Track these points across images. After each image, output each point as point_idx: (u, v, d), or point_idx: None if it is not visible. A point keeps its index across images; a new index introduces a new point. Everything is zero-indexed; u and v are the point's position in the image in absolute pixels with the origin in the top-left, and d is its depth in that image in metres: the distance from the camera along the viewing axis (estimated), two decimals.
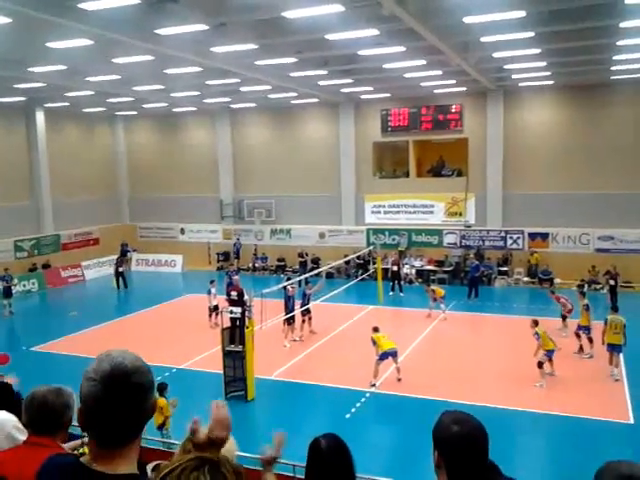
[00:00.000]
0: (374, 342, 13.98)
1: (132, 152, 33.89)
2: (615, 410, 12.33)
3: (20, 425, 3.00)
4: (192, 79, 20.78)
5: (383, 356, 13.80)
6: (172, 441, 9.49)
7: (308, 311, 18.05)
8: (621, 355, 14.37)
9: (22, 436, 2.94)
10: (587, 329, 15.61)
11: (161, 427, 10.37)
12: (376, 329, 14.34)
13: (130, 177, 34.05)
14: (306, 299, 17.90)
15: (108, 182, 33.02)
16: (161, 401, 10.41)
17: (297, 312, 17.64)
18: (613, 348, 14.01)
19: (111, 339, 18.13)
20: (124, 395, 1.82)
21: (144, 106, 28.70)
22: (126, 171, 34.07)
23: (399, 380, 13.98)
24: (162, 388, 10.56)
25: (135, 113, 31.99)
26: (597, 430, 11.48)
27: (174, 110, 30.57)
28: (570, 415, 12.11)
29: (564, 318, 17.16)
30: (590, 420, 11.87)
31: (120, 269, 26.33)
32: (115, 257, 28.39)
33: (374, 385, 13.80)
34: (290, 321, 17.39)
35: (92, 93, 23.36)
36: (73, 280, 28.22)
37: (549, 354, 13.75)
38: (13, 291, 23.00)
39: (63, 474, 1.91)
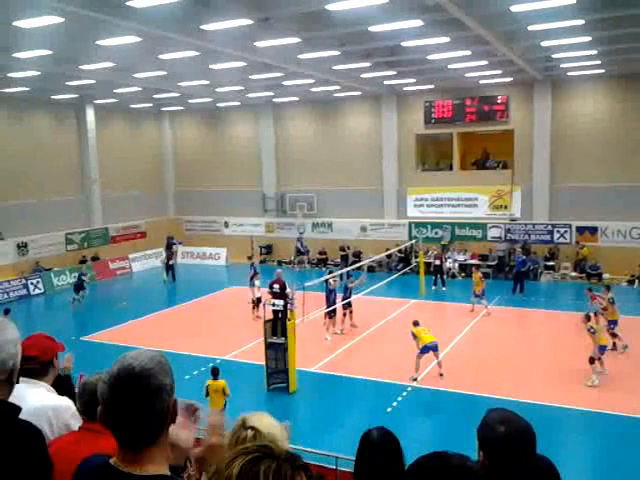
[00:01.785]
0: (414, 336, 13.90)
1: (178, 147, 34.52)
2: None
3: (77, 413, 3.12)
4: (236, 74, 20.99)
5: (424, 350, 13.68)
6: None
7: (349, 304, 18.06)
8: None
9: (77, 424, 3.05)
10: (614, 323, 15.31)
11: (222, 410, 10.67)
12: (416, 323, 14.25)
13: (176, 171, 34.69)
14: (348, 292, 17.91)
15: (155, 177, 33.76)
16: (220, 383, 10.75)
17: (338, 305, 17.68)
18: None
19: (156, 330, 18.58)
20: (127, 397, 1.82)
21: (189, 101, 29.16)
22: (172, 166, 34.74)
23: (441, 375, 13.86)
24: (216, 372, 10.92)
25: (181, 108, 32.54)
26: None
27: (218, 105, 30.95)
28: (620, 414, 11.76)
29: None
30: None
31: (170, 262, 26.84)
32: (163, 250, 29.05)
33: (415, 379, 13.72)
34: (331, 314, 17.44)
35: (139, 89, 23.88)
36: (121, 272, 28.97)
37: (602, 349, 13.38)
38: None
39: (92, 476, 1.95)
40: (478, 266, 23.05)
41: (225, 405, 10.80)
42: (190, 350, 15.72)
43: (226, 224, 32.80)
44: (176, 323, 19.61)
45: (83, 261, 28.08)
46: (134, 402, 1.82)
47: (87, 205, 29.38)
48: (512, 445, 2.23)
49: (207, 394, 10.82)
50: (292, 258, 29.70)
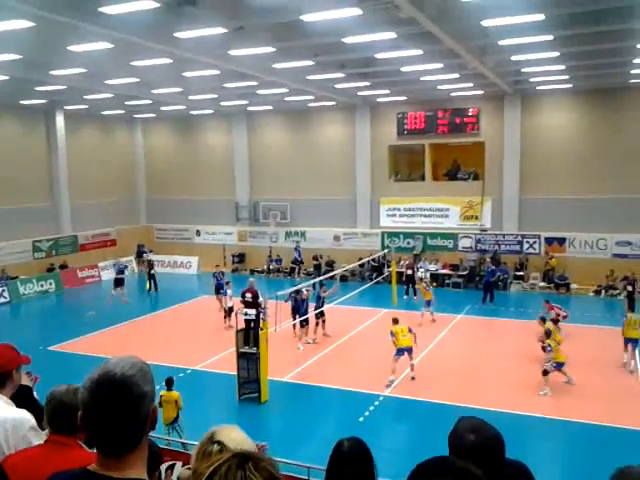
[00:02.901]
0: (392, 334, 14.15)
1: (150, 154, 34.20)
2: (633, 416, 12.15)
3: (37, 426, 3.04)
4: (210, 82, 20.93)
5: (399, 352, 14.02)
6: (183, 440, 9.53)
7: (322, 314, 18.06)
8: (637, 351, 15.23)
9: (37, 439, 2.97)
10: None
11: (175, 421, 10.46)
12: (395, 320, 14.58)
13: (147, 179, 34.35)
14: (320, 302, 17.92)
15: (126, 184, 33.33)
16: (173, 394, 10.53)
17: (311, 315, 17.67)
18: (631, 342, 14.92)
19: (126, 339, 18.29)
20: (108, 404, 1.83)
21: (162, 109, 28.95)
22: (144, 173, 34.38)
23: (413, 379, 14.10)
24: (170, 382, 10.66)
25: (153, 116, 32.27)
26: (614, 437, 11.31)
27: (192, 113, 30.80)
28: (586, 422, 11.99)
29: (555, 322, 16.92)
30: (605, 427, 11.73)
31: (152, 271, 26.36)
32: (133, 258, 28.55)
33: (392, 381, 13.91)
34: (303, 323, 17.42)
35: (111, 96, 23.62)
36: (90, 281, 28.48)
37: (558, 366, 13.64)
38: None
39: None
40: (421, 278, 23.29)
41: (177, 418, 10.56)
42: (160, 360, 15.47)
43: (198, 232, 32.55)
44: (146, 333, 19.35)
45: (51, 269, 27.54)
46: (114, 409, 1.83)
47: (56, 212, 28.83)
48: (481, 453, 2.24)
49: (160, 405, 10.61)
50: (264, 267, 29.62)
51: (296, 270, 28.51)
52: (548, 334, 14.00)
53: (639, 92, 23.37)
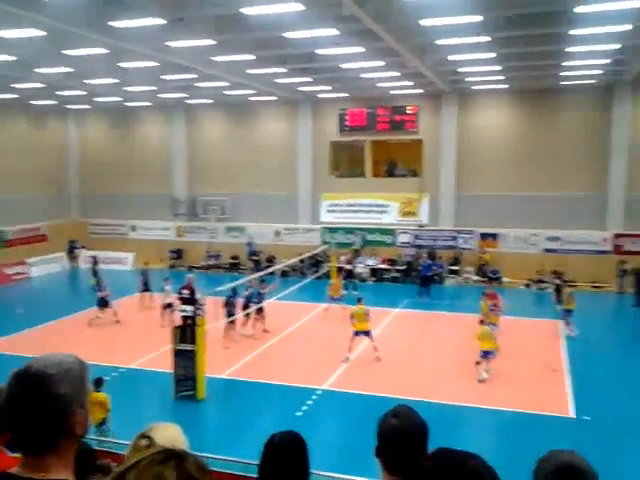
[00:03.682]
0: (351, 316, 15.35)
1: (83, 147, 33.00)
2: (556, 404, 12.75)
3: None
4: (147, 73, 20.40)
5: (356, 334, 15.20)
6: (113, 440, 9.27)
7: (261, 310, 18.00)
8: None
9: None
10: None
11: (102, 423, 10.13)
12: (359, 300, 15.87)
13: (81, 173, 33.12)
14: (260, 298, 17.85)
15: (57, 177, 32.02)
16: (100, 395, 10.18)
17: (252, 309, 17.60)
18: (570, 312, 17.60)
19: (57, 338, 17.57)
20: (19, 398, 1.81)
21: (97, 100, 27.99)
22: (77, 166, 33.13)
23: (378, 359, 15.09)
24: (98, 383, 10.32)
25: (87, 107, 31.15)
26: (538, 425, 11.78)
27: (128, 105, 29.92)
28: (512, 410, 12.47)
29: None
30: (532, 415, 12.25)
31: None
32: (64, 254, 27.42)
33: (347, 358, 15.12)
34: (248, 313, 17.51)
35: (42, 85, 22.62)
36: (18, 277, 27.26)
37: (485, 355, 14.02)
38: None
39: None
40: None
41: (104, 421, 10.25)
42: (93, 359, 14.99)
43: (133, 228, 31.69)
44: (79, 331, 18.69)
45: None
46: (25, 404, 1.80)
47: None
48: (398, 436, 2.32)
49: None
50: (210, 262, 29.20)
51: (252, 267, 28.14)
52: (482, 322, 14.71)
53: (570, 93, 24.46)
